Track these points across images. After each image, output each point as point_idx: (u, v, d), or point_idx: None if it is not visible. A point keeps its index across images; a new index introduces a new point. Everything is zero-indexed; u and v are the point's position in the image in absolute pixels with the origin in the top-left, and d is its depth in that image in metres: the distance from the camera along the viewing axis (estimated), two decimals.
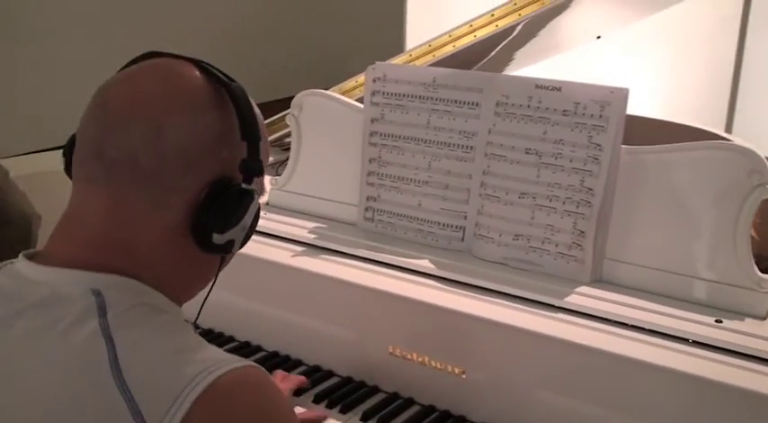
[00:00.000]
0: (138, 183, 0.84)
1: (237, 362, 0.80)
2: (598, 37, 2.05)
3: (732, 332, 1.23)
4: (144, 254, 0.86)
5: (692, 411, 1.18)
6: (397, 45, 2.82)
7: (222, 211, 0.86)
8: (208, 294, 0.97)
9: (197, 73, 0.89)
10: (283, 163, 1.97)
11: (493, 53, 1.91)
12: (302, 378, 1.46)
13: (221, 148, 0.87)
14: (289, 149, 2.02)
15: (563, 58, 2.17)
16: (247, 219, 0.88)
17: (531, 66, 2.15)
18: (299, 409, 1.39)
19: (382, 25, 3.35)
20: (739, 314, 1.27)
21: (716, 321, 1.25)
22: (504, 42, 1.85)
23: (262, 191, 0.95)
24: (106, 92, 0.88)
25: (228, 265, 0.97)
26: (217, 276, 0.94)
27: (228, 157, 0.87)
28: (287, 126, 1.86)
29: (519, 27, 1.76)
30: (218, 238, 0.86)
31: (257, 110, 0.92)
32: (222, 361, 0.79)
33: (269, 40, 4.04)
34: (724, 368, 1.18)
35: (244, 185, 0.87)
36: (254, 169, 0.88)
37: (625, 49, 2.33)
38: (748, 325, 1.25)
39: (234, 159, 0.88)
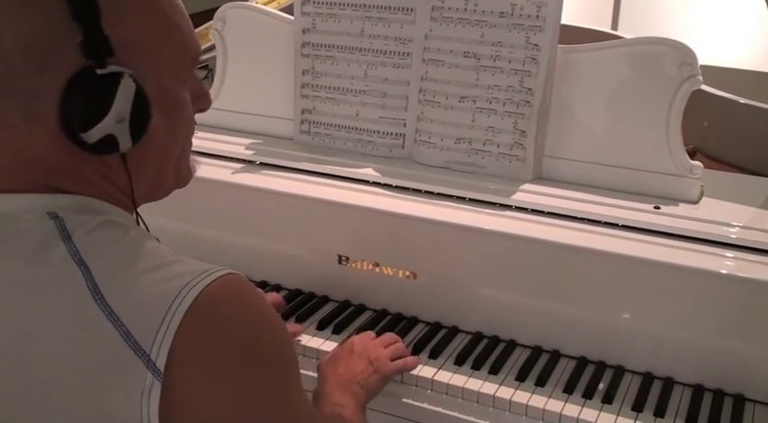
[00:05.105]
0: None
1: (216, 271, 0.77)
2: None
3: (670, 217, 1.30)
4: (60, 169, 0.80)
5: (640, 292, 1.26)
6: None
7: (80, 106, 0.76)
8: (133, 198, 0.86)
9: None
10: (200, 81, 1.91)
11: None
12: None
13: (71, 34, 0.75)
14: (204, 67, 1.96)
15: None
16: (119, 107, 0.77)
17: None
18: None
19: None
20: (675, 200, 1.34)
21: (654, 208, 1.33)
22: None
23: (152, 71, 0.81)
24: None
25: None
26: (131, 179, 0.83)
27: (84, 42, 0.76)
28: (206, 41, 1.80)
29: None
30: (88, 137, 0.77)
31: None
32: (203, 272, 0.76)
33: None
34: (666, 250, 1.25)
35: (98, 71, 0.76)
36: (96, 48, 0.76)
37: None
38: (684, 209, 1.33)
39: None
